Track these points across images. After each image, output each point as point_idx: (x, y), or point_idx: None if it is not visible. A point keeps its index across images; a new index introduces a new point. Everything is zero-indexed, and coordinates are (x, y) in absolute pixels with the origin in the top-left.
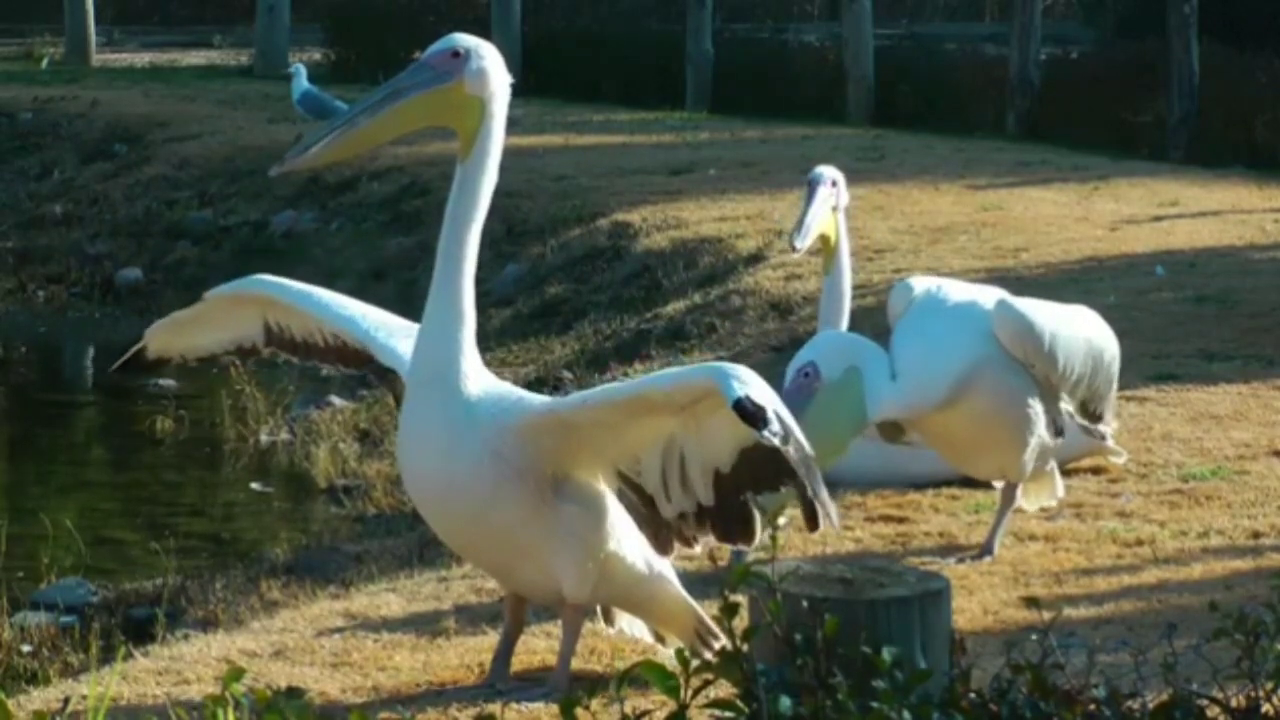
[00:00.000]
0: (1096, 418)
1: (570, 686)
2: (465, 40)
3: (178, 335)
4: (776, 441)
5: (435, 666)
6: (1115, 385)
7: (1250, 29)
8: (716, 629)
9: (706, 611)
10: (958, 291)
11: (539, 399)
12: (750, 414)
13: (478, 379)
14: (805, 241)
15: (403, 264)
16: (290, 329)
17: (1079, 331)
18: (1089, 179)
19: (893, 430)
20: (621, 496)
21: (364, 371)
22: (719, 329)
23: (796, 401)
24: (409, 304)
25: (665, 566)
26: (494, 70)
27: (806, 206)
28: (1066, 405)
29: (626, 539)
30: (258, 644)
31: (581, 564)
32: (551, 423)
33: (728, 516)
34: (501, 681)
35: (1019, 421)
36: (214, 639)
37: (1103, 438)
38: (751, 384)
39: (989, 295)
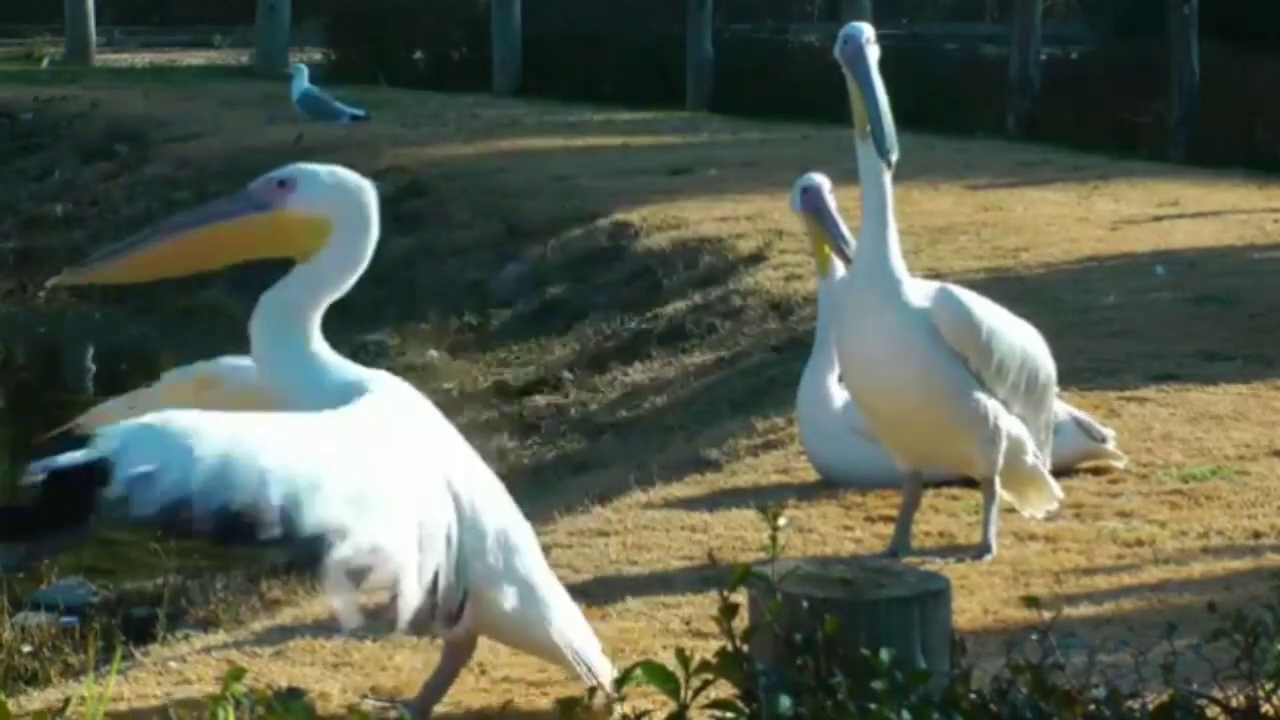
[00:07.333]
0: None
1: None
2: (302, 169)
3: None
4: None
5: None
6: (1048, 416)
7: (1250, 29)
8: None
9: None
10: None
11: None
12: None
13: None
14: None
15: (402, 265)
16: None
17: (1018, 337)
18: (1089, 179)
19: None
20: None
21: None
22: (719, 329)
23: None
24: (408, 304)
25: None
26: (338, 188)
27: (833, 222)
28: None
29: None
30: (258, 644)
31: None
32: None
33: None
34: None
35: (954, 404)
36: (214, 639)
37: (1103, 440)
38: None
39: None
